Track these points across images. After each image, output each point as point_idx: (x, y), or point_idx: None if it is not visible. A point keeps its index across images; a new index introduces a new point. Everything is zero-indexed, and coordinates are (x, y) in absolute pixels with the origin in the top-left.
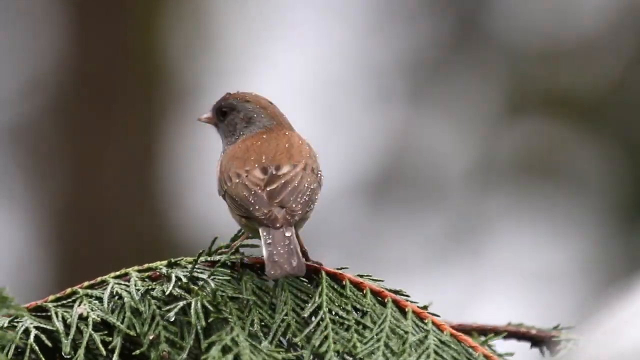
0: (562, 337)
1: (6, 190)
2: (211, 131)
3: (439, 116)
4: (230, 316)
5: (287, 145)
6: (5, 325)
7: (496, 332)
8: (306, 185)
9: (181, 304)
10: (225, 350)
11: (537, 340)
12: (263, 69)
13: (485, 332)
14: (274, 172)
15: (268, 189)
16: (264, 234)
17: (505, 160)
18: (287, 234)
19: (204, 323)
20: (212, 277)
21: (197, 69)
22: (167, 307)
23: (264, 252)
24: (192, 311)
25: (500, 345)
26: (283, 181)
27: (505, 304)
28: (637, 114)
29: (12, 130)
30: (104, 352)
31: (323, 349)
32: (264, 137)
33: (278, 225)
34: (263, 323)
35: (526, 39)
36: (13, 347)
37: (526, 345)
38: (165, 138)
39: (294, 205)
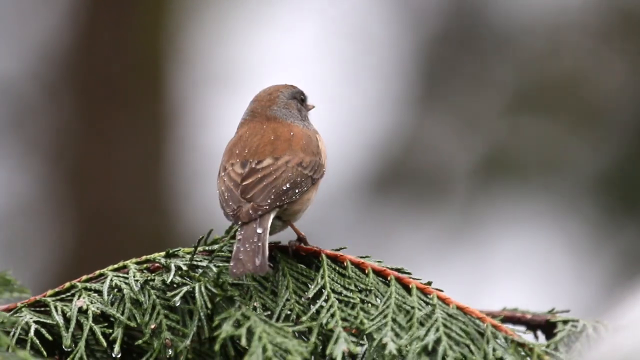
0: (559, 320)
1: (14, 189)
2: (214, 130)
3: (445, 112)
4: (236, 295)
5: (272, 137)
6: (6, 320)
7: (491, 316)
8: (284, 179)
9: (185, 288)
10: (237, 324)
11: (533, 324)
12: (271, 64)
13: None
14: (253, 166)
15: (244, 183)
16: (238, 229)
17: (511, 156)
18: (259, 231)
19: (210, 305)
20: (212, 262)
21: (205, 66)
22: (172, 293)
23: (234, 248)
24: (197, 295)
25: None
26: (260, 175)
27: (511, 298)
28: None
29: (18, 130)
30: (105, 344)
31: (331, 325)
32: (248, 127)
33: (240, 222)
34: (265, 307)
35: (530, 37)
36: (17, 333)
37: (521, 329)
38: (172, 136)
39: (261, 202)
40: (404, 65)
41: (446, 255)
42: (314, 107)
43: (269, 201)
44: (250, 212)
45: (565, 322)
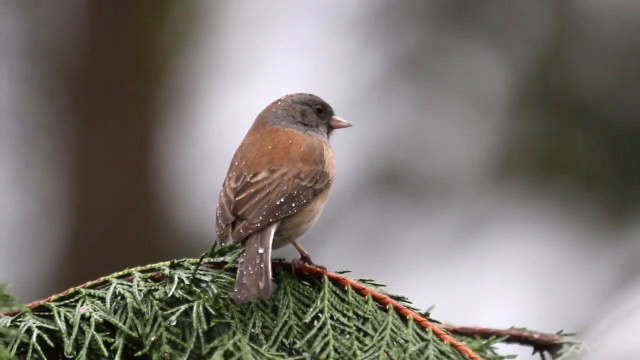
0: (565, 341)
1: (9, 191)
2: (212, 129)
3: (445, 114)
4: (232, 320)
5: (270, 147)
6: (8, 324)
7: (498, 335)
8: (278, 194)
9: (183, 307)
10: (227, 355)
11: (540, 344)
12: (267, 66)
13: (488, 335)
14: (248, 180)
15: (237, 199)
16: (241, 251)
17: (514, 157)
18: (260, 251)
19: (205, 327)
20: (215, 280)
21: (197, 68)
22: (169, 311)
23: (237, 272)
24: (194, 314)
25: (503, 348)
26: (253, 190)
27: (511, 303)
28: None
29: (12, 131)
30: (106, 353)
31: (323, 356)
32: (249, 135)
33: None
34: (264, 325)
35: (535, 35)
36: (17, 344)
37: (529, 349)
38: (164, 137)
39: (253, 219)
40: (405, 64)
41: (449, 256)
42: (341, 123)
43: (260, 218)
44: (241, 231)
45: (570, 344)
